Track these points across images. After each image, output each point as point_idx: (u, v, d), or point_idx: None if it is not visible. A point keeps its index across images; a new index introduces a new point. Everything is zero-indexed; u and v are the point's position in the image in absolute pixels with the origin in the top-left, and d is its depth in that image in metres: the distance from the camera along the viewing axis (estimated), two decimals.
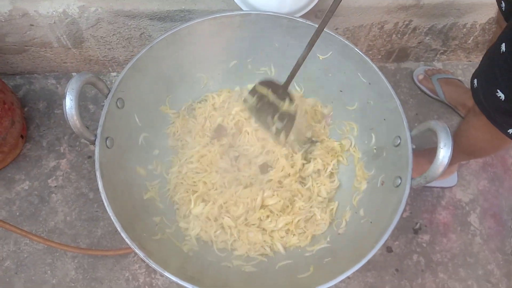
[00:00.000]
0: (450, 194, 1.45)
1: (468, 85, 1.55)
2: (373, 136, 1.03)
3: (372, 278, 1.33)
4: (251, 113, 1.09)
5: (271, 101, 1.03)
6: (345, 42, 0.97)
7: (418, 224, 1.41)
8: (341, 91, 1.09)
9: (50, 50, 1.39)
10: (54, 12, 1.21)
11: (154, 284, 1.27)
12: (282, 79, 1.16)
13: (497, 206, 1.44)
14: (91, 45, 1.38)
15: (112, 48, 1.40)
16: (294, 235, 1.03)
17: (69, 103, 0.77)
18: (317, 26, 0.88)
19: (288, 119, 1.03)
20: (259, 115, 1.07)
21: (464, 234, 1.40)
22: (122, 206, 0.86)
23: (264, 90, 1.03)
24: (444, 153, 0.77)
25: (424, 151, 1.37)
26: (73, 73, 1.54)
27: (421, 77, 1.56)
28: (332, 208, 1.06)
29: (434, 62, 1.65)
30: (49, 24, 1.26)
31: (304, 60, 0.92)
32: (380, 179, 0.96)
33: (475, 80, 0.91)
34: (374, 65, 0.95)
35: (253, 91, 1.05)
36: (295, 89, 1.18)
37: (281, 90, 1.01)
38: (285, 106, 1.01)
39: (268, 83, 1.02)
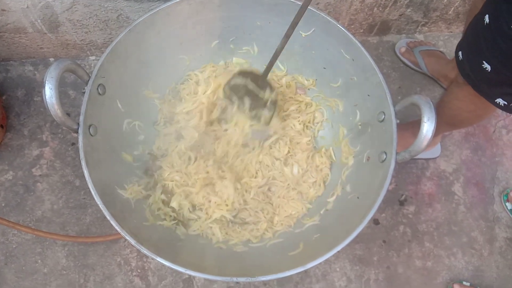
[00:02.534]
0: (434, 165, 1.48)
1: (450, 56, 1.56)
2: (358, 112, 1.03)
3: (361, 250, 1.36)
4: (231, 102, 1.06)
5: (250, 90, 1.02)
6: (328, 18, 0.96)
7: (404, 196, 1.43)
8: (324, 68, 1.09)
9: (25, 36, 1.35)
10: None
11: (146, 268, 1.28)
12: (265, 58, 1.14)
13: (479, 175, 1.48)
14: (67, 29, 1.33)
15: (89, 31, 1.36)
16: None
17: (49, 92, 0.75)
18: (299, 3, 0.87)
19: (270, 106, 1.02)
20: (239, 104, 1.05)
21: (448, 203, 1.44)
22: (111, 194, 0.85)
23: (243, 81, 1.02)
24: (427, 127, 0.78)
25: (408, 124, 1.39)
26: (50, 59, 1.50)
27: (403, 49, 1.56)
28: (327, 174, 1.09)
29: (415, 34, 1.64)
30: (22, 9, 1.21)
31: (282, 50, 0.91)
32: (365, 155, 0.97)
33: (460, 53, 0.92)
34: (357, 41, 0.94)
35: (231, 83, 1.03)
36: (279, 68, 1.17)
37: (260, 79, 1.00)
38: (266, 95, 1.01)
39: (247, 73, 1.01)
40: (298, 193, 1.07)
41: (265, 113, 1.03)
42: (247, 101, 1.02)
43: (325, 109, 1.15)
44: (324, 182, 1.09)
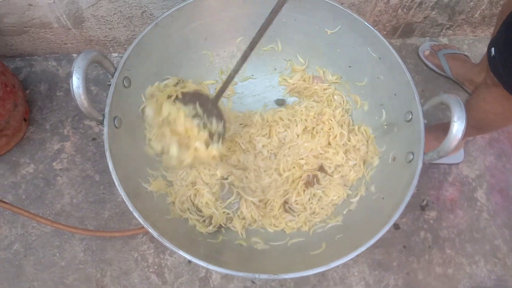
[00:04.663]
0: (456, 171, 1.45)
1: (474, 60, 1.53)
2: (384, 112, 1.01)
3: (380, 255, 1.33)
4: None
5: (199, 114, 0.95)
6: (355, 15, 0.95)
7: (425, 201, 1.41)
8: (350, 66, 1.07)
9: (50, 31, 1.36)
10: None
11: (163, 265, 1.28)
12: (288, 55, 1.14)
13: (504, 182, 1.44)
14: (91, 25, 1.35)
15: (113, 27, 1.37)
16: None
17: (76, 82, 0.76)
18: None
19: (216, 138, 0.94)
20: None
21: (471, 210, 1.40)
22: (133, 187, 0.85)
23: (190, 104, 0.94)
24: (458, 126, 0.76)
25: (431, 127, 1.36)
26: (73, 54, 1.51)
27: (427, 52, 1.54)
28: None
29: (439, 38, 1.62)
30: (49, 4, 1.23)
31: (236, 74, 0.87)
32: (391, 155, 0.95)
33: (493, 49, 0.90)
34: (384, 39, 0.93)
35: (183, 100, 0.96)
36: (299, 61, 1.16)
37: (210, 104, 0.93)
38: (213, 127, 0.94)
39: (195, 96, 0.95)
40: (341, 177, 1.05)
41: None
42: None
43: (348, 101, 1.13)
44: (364, 163, 1.05)
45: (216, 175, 1.03)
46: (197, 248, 0.87)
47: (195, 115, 0.93)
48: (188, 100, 0.95)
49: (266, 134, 1.09)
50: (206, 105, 0.94)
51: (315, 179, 1.03)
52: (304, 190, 1.03)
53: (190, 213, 0.98)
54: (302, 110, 1.10)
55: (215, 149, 0.92)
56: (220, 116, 0.94)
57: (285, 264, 0.89)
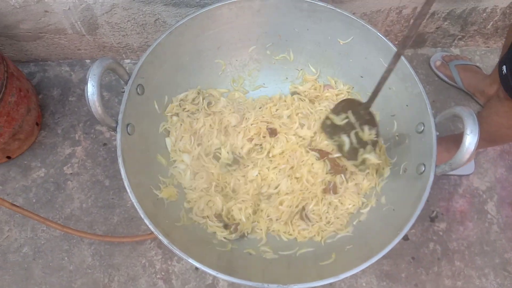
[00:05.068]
0: (467, 182, 1.44)
1: (486, 72, 1.52)
2: (395, 123, 1.01)
3: (388, 266, 1.32)
4: (324, 131, 1.04)
5: (349, 126, 0.97)
6: (368, 26, 0.95)
7: (435, 212, 1.40)
8: (361, 76, 1.07)
9: (64, 37, 1.38)
10: None
11: (170, 271, 1.28)
12: (300, 64, 1.14)
13: None
14: (105, 31, 1.36)
15: (127, 34, 1.39)
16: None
17: (91, 89, 0.76)
18: (338, 10, 0.87)
19: (369, 148, 0.95)
20: (332, 133, 1.02)
21: (481, 222, 1.39)
22: (144, 193, 0.85)
23: (342, 118, 0.97)
24: (470, 139, 0.76)
25: (441, 139, 1.36)
26: (86, 60, 1.53)
27: (438, 63, 1.54)
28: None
29: (451, 48, 1.62)
30: (64, 10, 1.25)
31: (389, 75, 0.86)
32: (402, 166, 0.95)
33: (504, 67, 0.90)
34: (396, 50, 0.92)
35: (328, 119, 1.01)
36: (311, 71, 1.16)
37: (363, 109, 0.94)
38: (365, 135, 0.95)
39: (348, 103, 0.97)
40: (355, 184, 1.03)
41: (366, 155, 0.95)
42: (346, 142, 0.98)
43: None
44: (376, 172, 1.03)
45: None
46: (206, 256, 0.86)
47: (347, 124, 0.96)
48: (340, 109, 0.97)
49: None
50: (358, 110, 0.94)
51: (332, 185, 1.03)
52: (322, 199, 1.02)
53: (210, 220, 0.98)
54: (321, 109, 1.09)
55: (373, 158, 0.93)
56: (373, 123, 0.93)
57: (294, 274, 0.88)
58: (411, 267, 1.33)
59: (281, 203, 1.00)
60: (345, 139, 0.99)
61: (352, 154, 0.98)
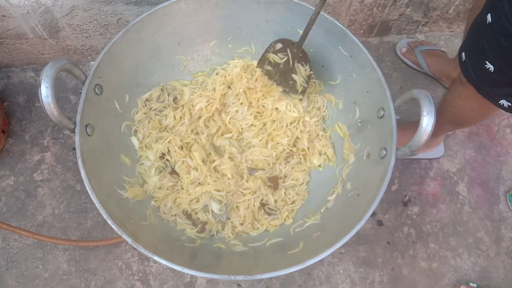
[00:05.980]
0: (437, 165, 1.46)
1: (451, 56, 1.55)
2: (357, 110, 1.02)
3: (364, 252, 1.34)
4: (269, 78, 1.09)
5: (284, 64, 1.05)
6: (325, 15, 0.95)
7: (407, 197, 1.42)
8: (323, 66, 1.08)
9: (26, 42, 1.35)
10: (26, 1, 1.17)
11: (147, 272, 1.27)
12: None
13: (484, 175, 1.46)
14: (67, 34, 1.34)
15: (90, 36, 1.37)
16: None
17: (45, 91, 0.75)
18: (295, 0, 0.87)
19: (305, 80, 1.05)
20: (278, 78, 1.08)
21: (453, 203, 1.42)
22: (108, 194, 0.85)
23: (281, 57, 1.04)
24: (427, 120, 0.77)
25: (410, 124, 1.37)
26: None
27: (404, 50, 1.56)
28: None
29: (416, 34, 1.64)
30: (22, 14, 1.22)
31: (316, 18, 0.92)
32: (365, 152, 0.96)
33: (463, 54, 0.91)
34: (354, 37, 0.93)
35: (263, 60, 1.06)
36: None
37: (296, 48, 1.01)
38: (302, 71, 1.03)
39: (284, 42, 1.03)
40: (298, 163, 1.09)
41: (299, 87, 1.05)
42: (282, 78, 1.06)
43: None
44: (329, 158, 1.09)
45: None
46: (174, 253, 0.86)
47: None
48: (278, 49, 1.03)
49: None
50: (292, 49, 1.03)
51: (274, 184, 1.06)
52: (272, 194, 1.05)
53: (179, 217, 0.98)
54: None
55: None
56: (306, 59, 1.02)
57: (263, 264, 0.88)
58: (387, 251, 1.34)
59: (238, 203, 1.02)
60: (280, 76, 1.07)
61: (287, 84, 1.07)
